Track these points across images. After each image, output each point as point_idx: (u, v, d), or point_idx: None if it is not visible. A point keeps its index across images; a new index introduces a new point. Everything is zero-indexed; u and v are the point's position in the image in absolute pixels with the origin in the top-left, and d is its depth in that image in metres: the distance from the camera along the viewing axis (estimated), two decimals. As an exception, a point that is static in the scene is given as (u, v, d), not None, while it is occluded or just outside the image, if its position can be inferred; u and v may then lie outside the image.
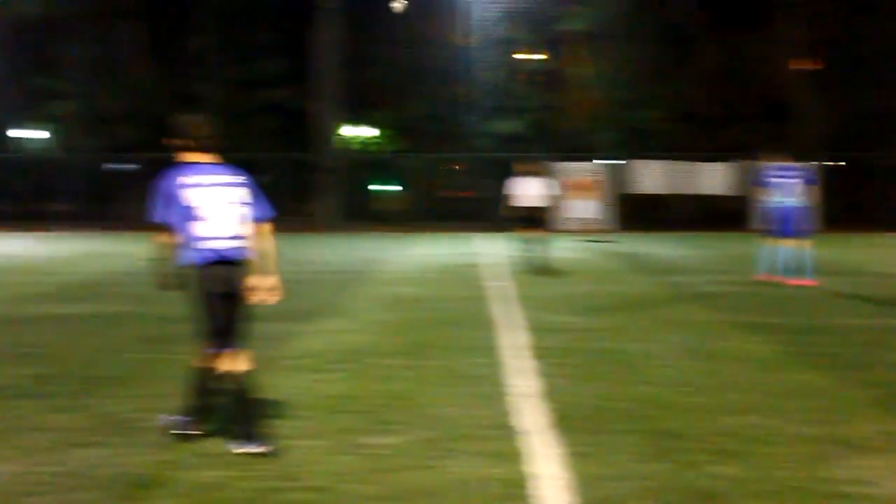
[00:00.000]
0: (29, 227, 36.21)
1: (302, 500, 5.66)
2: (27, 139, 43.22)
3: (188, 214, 6.49)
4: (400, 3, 42.83)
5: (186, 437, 6.78)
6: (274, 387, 8.55)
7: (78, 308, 14.40)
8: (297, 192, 39.50)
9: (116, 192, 38.11)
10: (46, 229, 35.41)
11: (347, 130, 44.62)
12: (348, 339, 11.40)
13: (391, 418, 7.52)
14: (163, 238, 6.60)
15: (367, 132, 47.79)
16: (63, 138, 41.35)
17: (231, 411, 6.75)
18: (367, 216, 39.06)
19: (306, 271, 20.24)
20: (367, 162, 45.05)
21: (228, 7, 38.18)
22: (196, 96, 38.85)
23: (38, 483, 5.98)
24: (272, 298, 6.81)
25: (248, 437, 6.53)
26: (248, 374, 6.70)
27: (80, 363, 9.89)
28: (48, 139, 43.12)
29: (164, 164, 6.75)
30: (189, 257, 6.56)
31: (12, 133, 42.23)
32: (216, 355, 6.69)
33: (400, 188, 45.20)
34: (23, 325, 12.70)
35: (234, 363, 6.67)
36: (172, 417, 6.94)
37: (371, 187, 45.32)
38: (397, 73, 41.51)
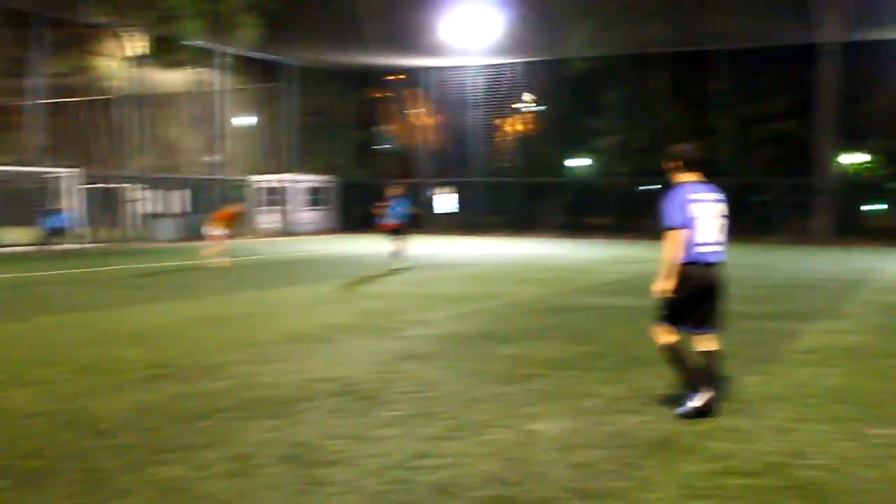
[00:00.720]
0: (574, 235, 37.66)
1: (810, 476, 5.34)
2: (574, 166, 44.91)
3: (689, 223, 6.60)
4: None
5: (701, 414, 6.65)
6: (783, 376, 8.25)
7: (614, 300, 14.73)
8: (793, 210, 37.74)
9: (645, 209, 38.56)
10: (588, 237, 36.63)
11: (843, 157, 42.06)
12: (845, 339, 10.68)
13: (890, 412, 6.94)
14: (672, 241, 6.62)
15: (861, 158, 44.78)
16: (602, 165, 42.53)
17: (691, 379, 6.76)
18: (857, 232, 36.50)
19: (806, 279, 19.29)
20: (859, 184, 42.09)
21: (741, 54, 37.30)
22: (710, 130, 38.38)
23: (589, 438, 6.15)
24: None
25: (699, 396, 6.65)
26: (716, 353, 6.82)
27: (619, 344, 10.09)
28: (589, 166, 44.53)
29: (680, 185, 6.81)
30: (685, 257, 6.63)
31: (568, 162, 44.05)
32: (697, 337, 6.79)
33: (886, 207, 41.85)
34: (573, 313, 13.19)
35: (709, 343, 6.79)
36: (683, 407, 6.81)
37: (863, 207, 42.33)
38: (891, 104, 38.36)
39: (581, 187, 42.20)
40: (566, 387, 7.81)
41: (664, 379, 7.93)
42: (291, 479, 5.26)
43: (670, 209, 6.65)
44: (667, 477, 5.33)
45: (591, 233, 38.14)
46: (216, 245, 22.19)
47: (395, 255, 20.84)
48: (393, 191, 21.33)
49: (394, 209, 20.87)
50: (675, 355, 6.82)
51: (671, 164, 6.91)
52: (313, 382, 7.95)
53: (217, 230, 22.20)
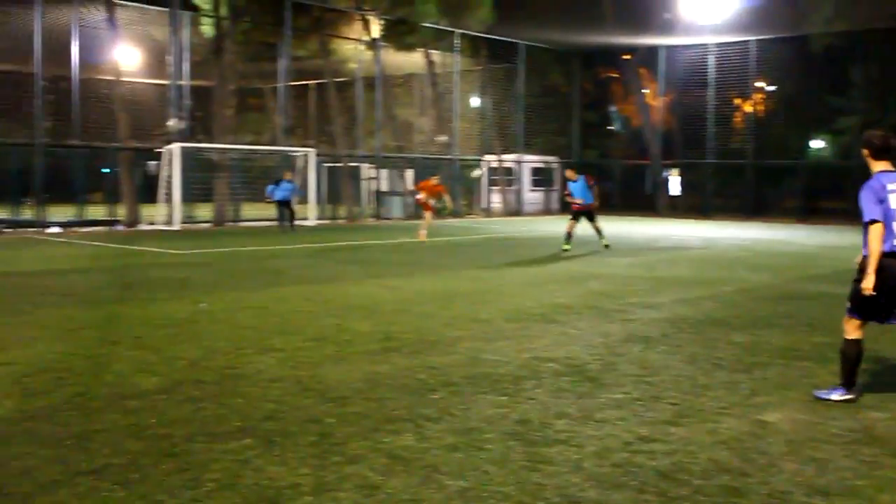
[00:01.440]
0: (809, 220, 36.00)
1: None
2: (812, 148, 42.84)
3: (886, 214, 6.31)
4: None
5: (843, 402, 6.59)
6: None
7: (845, 289, 13.91)
8: None
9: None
10: (825, 223, 34.88)
11: None
12: None
13: None
14: (874, 235, 6.31)
15: None
16: (842, 147, 40.28)
17: (848, 377, 6.66)
18: None
19: None
20: None
21: None
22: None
23: (824, 433, 5.86)
24: None
25: (841, 394, 6.64)
26: None
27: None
28: (827, 148, 42.38)
29: (873, 175, 6.52)
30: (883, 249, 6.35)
31: (813, 143, 42.09)
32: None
33: None
34: (806, 301, 12.61)
35: None
36: (824, 392, 6.78)
37: None
38: None
39: (818, 170, 40.09)
40: (799, 378, 7.47)
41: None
42: (516, 456, 5.30)
43: (867, 202, 6.35)
44: (911, 479, 5.00)
45: (828, 218, 36.22)
46: (429, 217, 23.14)
47: (599, 234, 20.73)
48: (570, 175, 21.08)
49: (580, 192, 20.59)
50: (853, 352, 6.68)
51: (865, 152, 6.61)
52: (538, 361, 7.98)
53: (425, 199, 23.15)
